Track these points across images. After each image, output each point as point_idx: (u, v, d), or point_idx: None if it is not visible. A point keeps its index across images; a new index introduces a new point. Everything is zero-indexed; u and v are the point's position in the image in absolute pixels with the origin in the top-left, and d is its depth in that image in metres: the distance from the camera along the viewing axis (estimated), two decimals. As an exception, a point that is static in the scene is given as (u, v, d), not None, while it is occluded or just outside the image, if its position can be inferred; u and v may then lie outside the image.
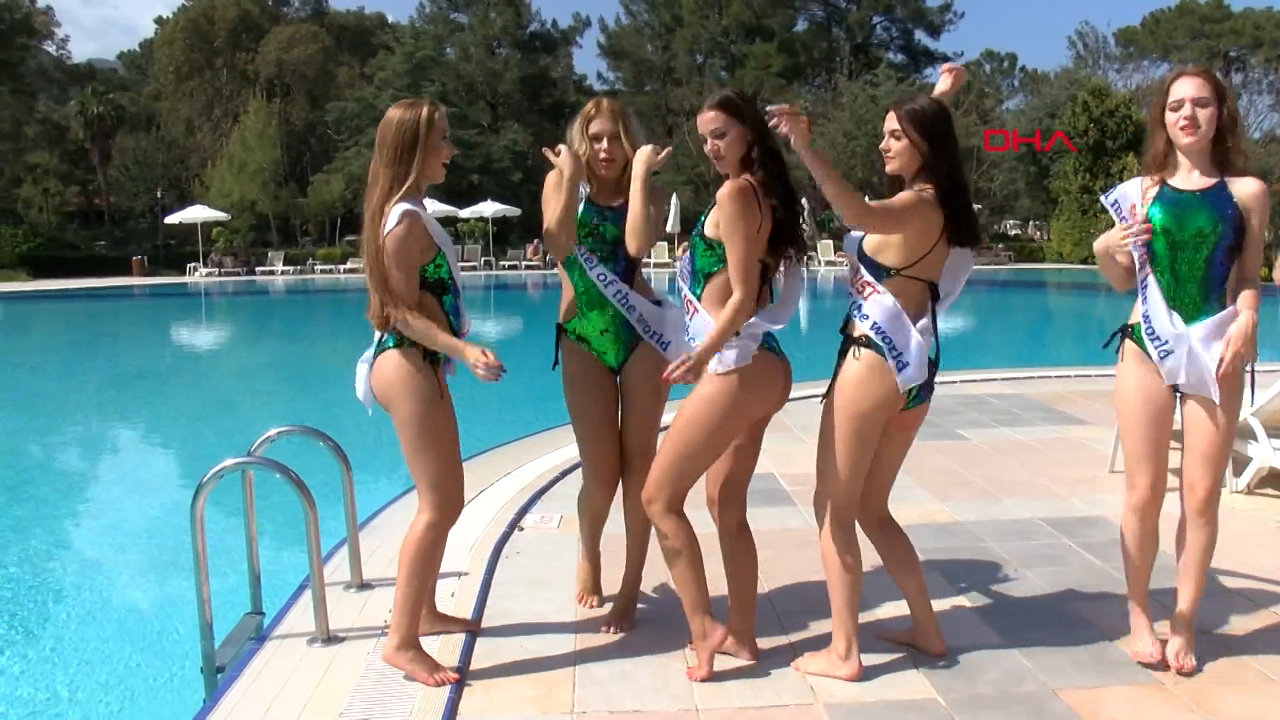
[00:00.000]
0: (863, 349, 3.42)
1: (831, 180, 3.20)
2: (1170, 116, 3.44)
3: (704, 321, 3.45)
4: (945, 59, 65.02)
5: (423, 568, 3.61)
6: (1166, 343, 3.47)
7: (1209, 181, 3.45)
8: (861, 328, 3.44)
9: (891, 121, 3.46)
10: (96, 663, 4.83)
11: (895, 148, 3.45)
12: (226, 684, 3.66)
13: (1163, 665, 3.59)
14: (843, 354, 3.50)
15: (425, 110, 3.54)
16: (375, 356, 3.61)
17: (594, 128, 3.85)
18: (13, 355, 18.44)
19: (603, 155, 3.84)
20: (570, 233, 3.81)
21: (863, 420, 3.44)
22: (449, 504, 3.60)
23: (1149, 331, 3.52)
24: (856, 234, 3.50)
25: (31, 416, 11.64)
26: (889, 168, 3.50)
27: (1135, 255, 3.56)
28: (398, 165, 3.51)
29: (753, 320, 3.43)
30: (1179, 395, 3.56)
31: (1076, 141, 40.50)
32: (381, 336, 3.60)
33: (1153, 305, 3.50)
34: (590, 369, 3.98)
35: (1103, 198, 3.75)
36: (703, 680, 3.57)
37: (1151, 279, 3.51)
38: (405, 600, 3.60)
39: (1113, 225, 3.65)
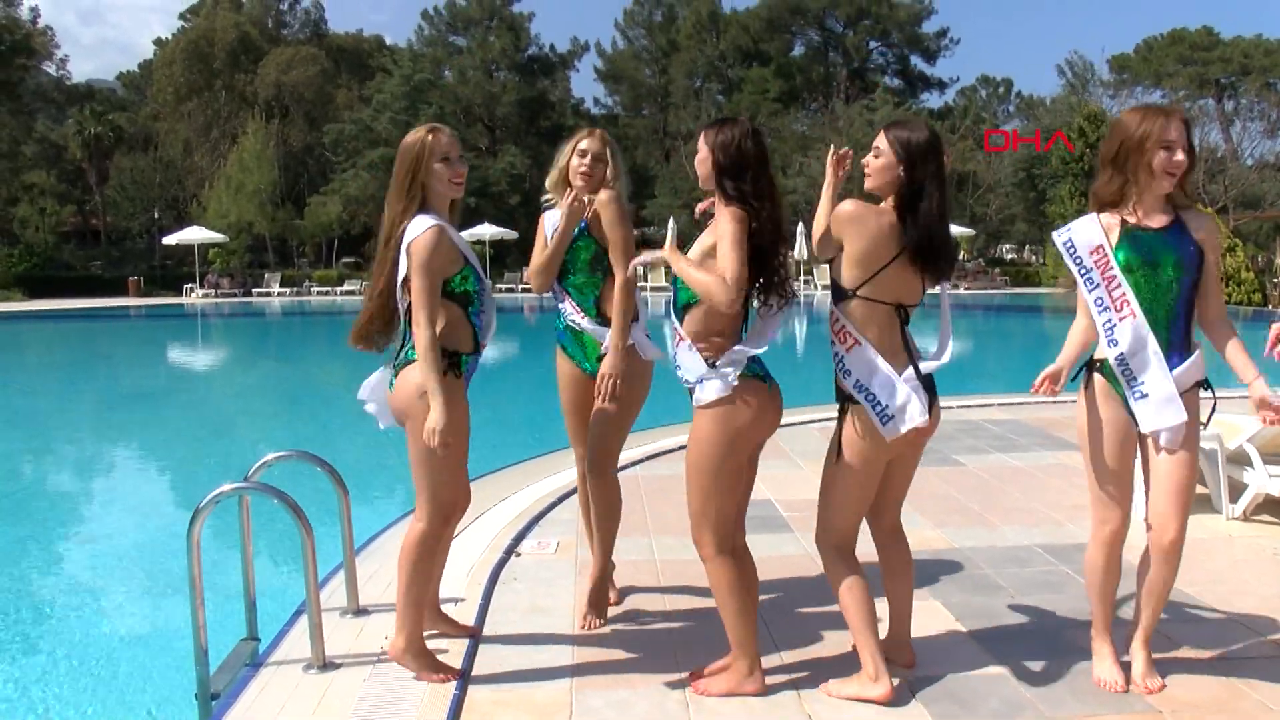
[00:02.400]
0: (854, 406, 3.49)
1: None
2: (1160, 155, 3.37)
3: (686, 353, 3.49)
4: (941, 84, 65.59)
5: (422, 572, 3.75)
6: (1145, 392, 3.45)
7: (1167, 219, 3.46)
8: (846, 385, 3.48)
9: (878, 139, 3.49)
10: (91, 688, 4.80)
11: (874, 165, 3.47)
12: (221, 710, 3.64)
13: (1124, 691, 3.61)
14: (841, 412, 3.56)
15: (420, 135, 3.69)
16: (396, 371, 3.70)
17: (584, 144, 4.23)
18: (7, 375, 18.42)
19: (583, 169, 4.19)
20: (551, 276, 4.31)
21: (865, 470, 3.53)
22: (443, 516, 3.74)
23: (1125, 372, 3.48)
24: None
25: (25, 438, 11.62)
26: (866, 184, 3.53)
27: (1095, 298, 3.51)
28: (404, 193, 3.66)
29: (733, 350, 3.46)
30: (1141, 433, 3.56)
31: (1073, 166, 40.69)
32: (402, 351, 3.71)
33: (1132, 349, 3.46)
34: (570, 373, 4.42)
35: (1055, 236, 3.66)
36: (701, 694, 3.62)
37: (1128, 321, 3.46)
38: (407, 603, 3.75)
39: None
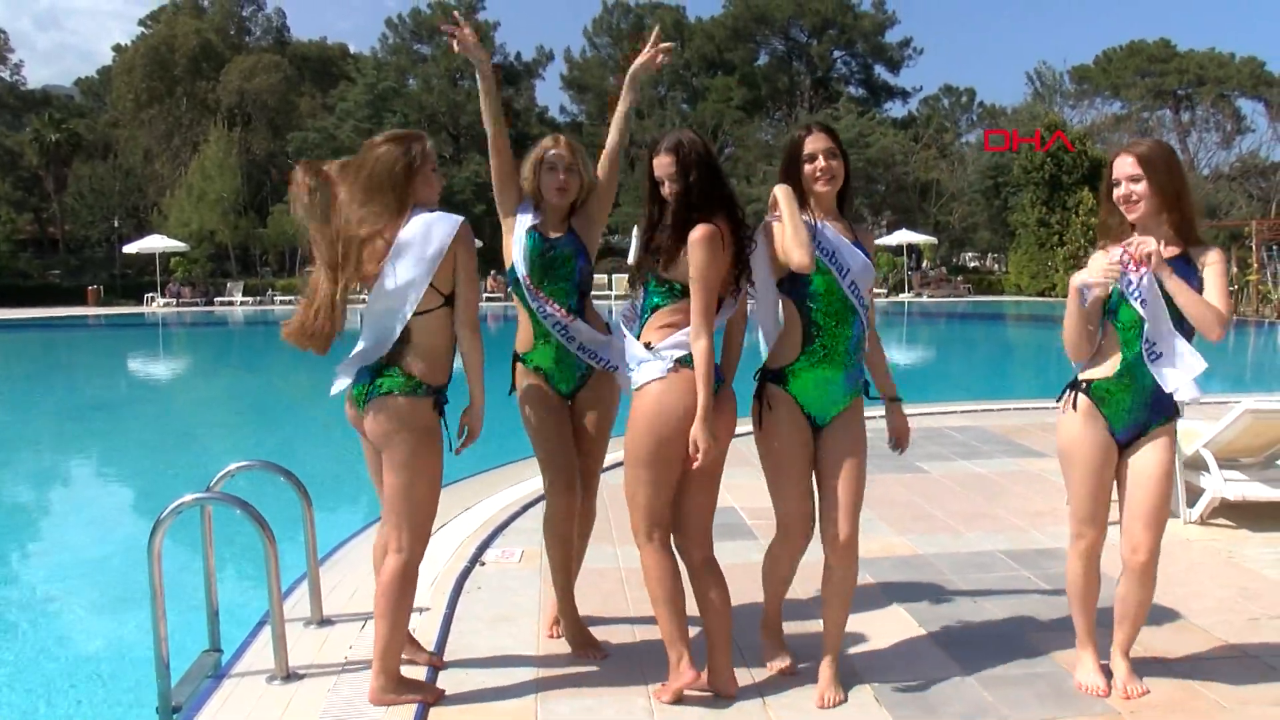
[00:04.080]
0: None
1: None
2: (1116, 192, 3.56)
3: (629, 344, 3.60)
4: (905, 93, 66.10)
5: (406, 604, 3.64)
6: (1160, 351, 3.51)
7: (1172, 252, 3.53)
8: None
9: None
10: (50, 701, 4.73)
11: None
12: (183, 723, 3.61)
13: (1106, 695, 3.67)
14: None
15: (404, 145, 3.74)
16: (370, 394, 3.57)
17: (551, 156, 4.00)
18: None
19: (558, 183, 3.98)
20: (509, 163, 4.11)
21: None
22: (420, 543, 3.65)
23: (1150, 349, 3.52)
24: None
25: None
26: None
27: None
28: (385, 195, 3.66)
29: (670, 340, 3.51)
30: (1120, 452, 3.65)
31: (1034, 176, 41.11)
32: (380, 374, 3.57)
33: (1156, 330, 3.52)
34: (544, 394, 4.09)
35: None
36: (666, 703, 3.62)
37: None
38: (383, 642, 3.61)
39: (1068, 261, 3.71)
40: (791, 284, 3.62)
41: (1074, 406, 3.65)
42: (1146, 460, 3.60)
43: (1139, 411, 3.60)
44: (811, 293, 3.59)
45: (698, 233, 3.45)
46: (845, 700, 3.65)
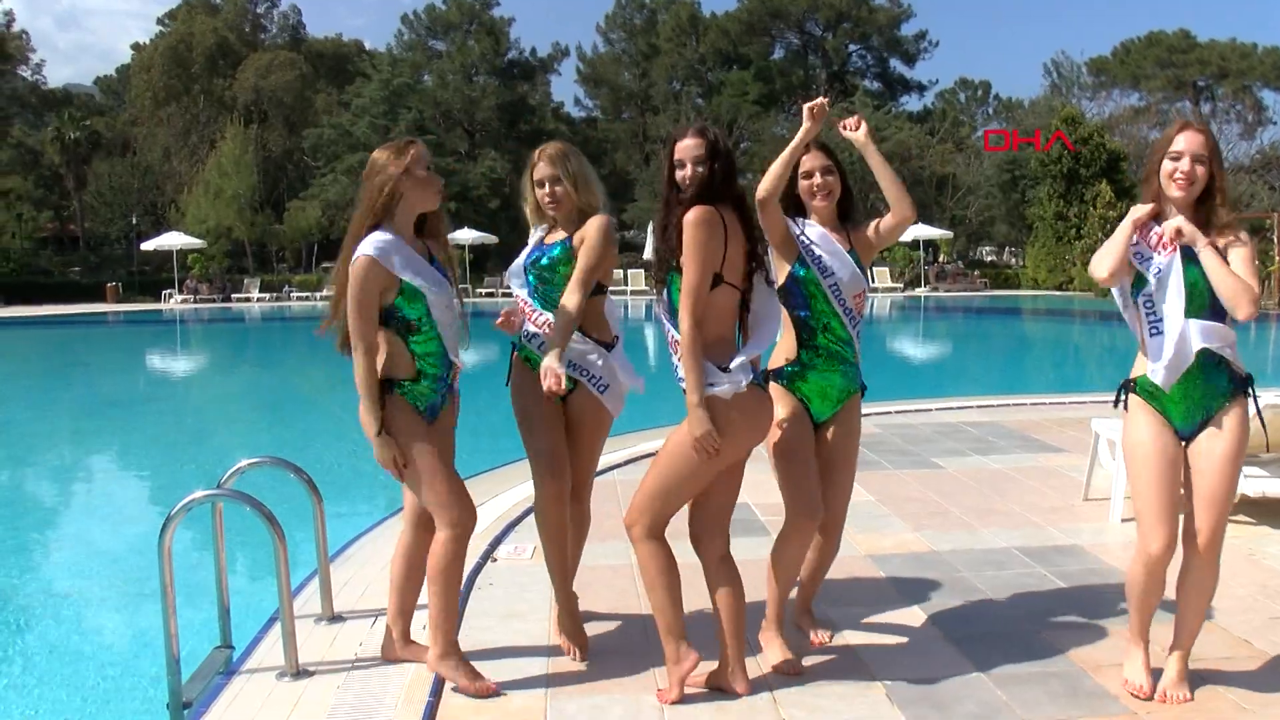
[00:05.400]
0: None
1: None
2: (1167, 165, 3.45)
3: (707, 372, 3.49)
4: (920, 87, 65.88)
5: (453, 577, 3.71)
6: (1162, 329, 3.46)
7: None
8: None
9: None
10: (62, 697, 4.74)
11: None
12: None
13: (1148, 698, 3.59)
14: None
15: (389, 153, 3.71)
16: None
17: (537, 174, 4.00)
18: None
19: (546, 200, 3.96)
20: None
21: None
22: (461, 520, 3.70)
23: (1148, 303, 3.49)
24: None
25: (3, 446, 11.49)
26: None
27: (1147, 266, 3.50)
28: (367, 208, 3.67)
29: (740, 358, 3.49)
30: (1185, 444, 3.55)
31: (1051, 169, 40.88)
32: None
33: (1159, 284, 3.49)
34: (537, 385, 3.95)
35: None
36: (672, 703, 3.58)
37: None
38: (436, 612, 3.72)
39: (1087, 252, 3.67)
40: (784, 290, 3.82)
41: (1125, 407, 3.61)
42: (1210, 444, 3.48)
43: (1193, 397, 3.49)
44: (804, 297, 3.84)
45: (693, 214, 3.44)
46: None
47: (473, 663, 3.79)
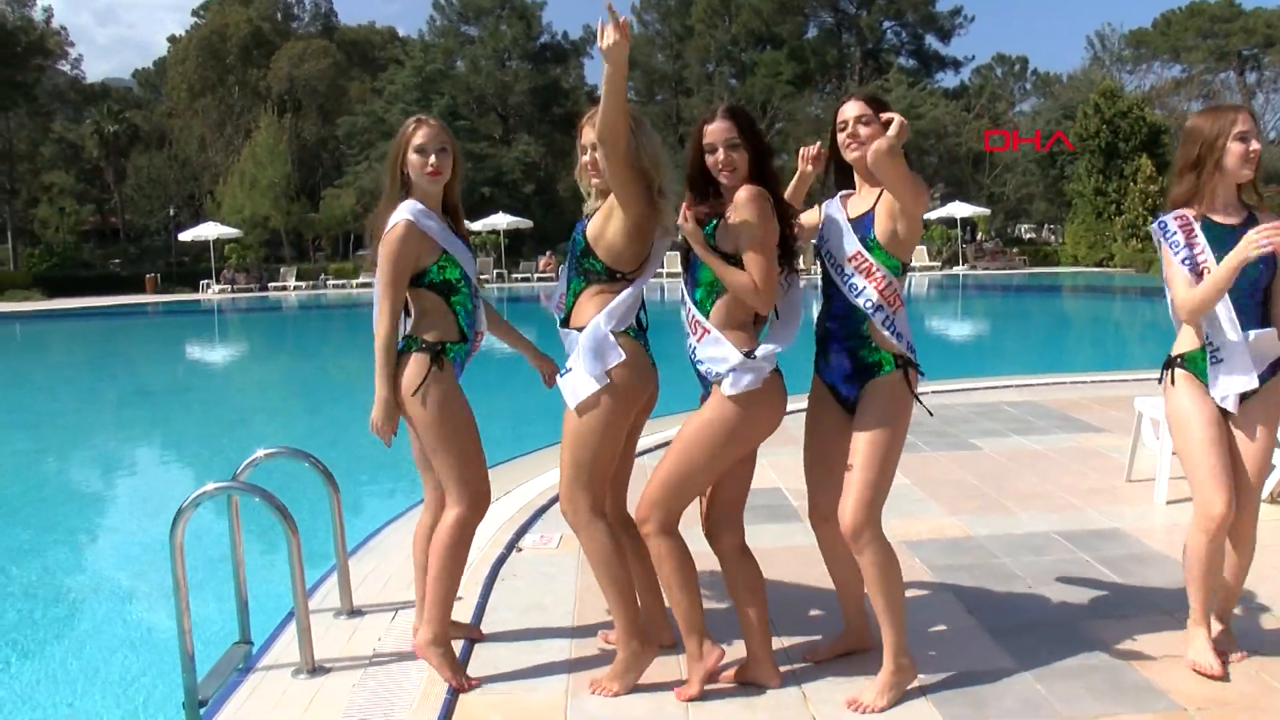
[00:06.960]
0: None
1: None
2: (1237, 148, 3.44)
3: (716, 344, 3.34)
4: (956, 63, 64.98)
5: (456, 559, 3.67)
6: (1220, 351, 3.49)
7: (1240, 218, 3.50)
8: (899, 345, 3.47)
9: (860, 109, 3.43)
10: (88, 690, 4.69)
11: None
12: (208, 718, 3.53)
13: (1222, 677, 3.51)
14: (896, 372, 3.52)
15: (403, 128, 3.76)
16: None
17: (584, 140, 3.71)
18: (24, 375, 18.43)
19: (587, 163, 3.70)
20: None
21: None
22: (476, 498, 3.67)
23: (1213, 352, 3.51)
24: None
25: (36, 438, 11.57)
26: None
27: (1182, 258, 3.51)
28: (390, 183, 3.75)
29: (768, 346, 3.36)
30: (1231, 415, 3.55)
31: (1090, 144, 40.18)
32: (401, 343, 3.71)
33: (1214, 325, 3.49)
34: None
35: (1153, 227, 3.66)
36: (689, 700, 3.48)
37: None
38: (434, 595, 3.68)
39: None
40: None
41: (1172, 383, 3.60)
42: (1249, 416, 3.51)
43: None
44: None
45: (745, 192, 3.28)
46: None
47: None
